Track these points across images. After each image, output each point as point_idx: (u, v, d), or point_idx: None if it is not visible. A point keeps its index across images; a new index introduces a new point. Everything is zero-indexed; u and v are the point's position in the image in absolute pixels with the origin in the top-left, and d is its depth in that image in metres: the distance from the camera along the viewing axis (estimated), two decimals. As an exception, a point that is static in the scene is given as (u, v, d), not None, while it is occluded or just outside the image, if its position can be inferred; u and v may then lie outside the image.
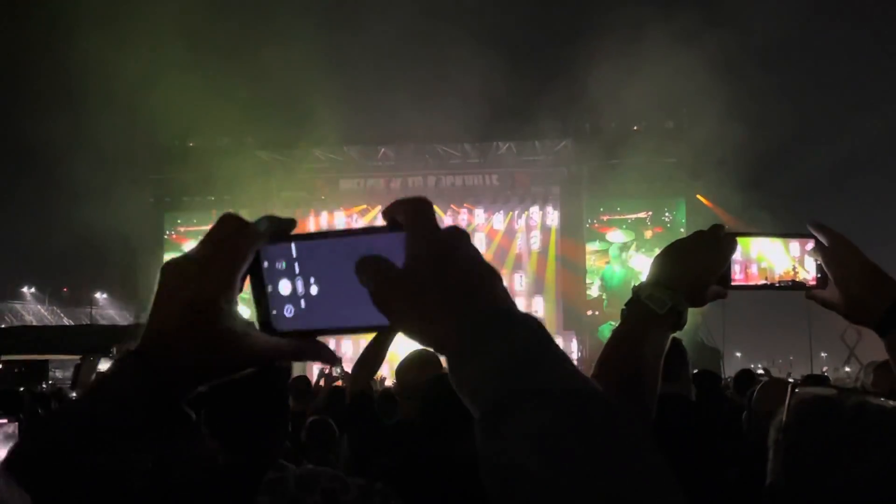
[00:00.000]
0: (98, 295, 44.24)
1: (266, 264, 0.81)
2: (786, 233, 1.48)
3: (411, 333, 0.73)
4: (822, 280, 1.44)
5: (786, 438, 1.15)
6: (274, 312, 0.81)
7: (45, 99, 28.96)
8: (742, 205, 28.67)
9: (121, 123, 28.61)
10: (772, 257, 1.45)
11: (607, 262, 31.41)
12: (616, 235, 31.54)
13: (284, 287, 0.80)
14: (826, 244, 1.42)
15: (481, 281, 0.73)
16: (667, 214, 31.50)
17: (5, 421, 3.35)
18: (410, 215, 0.74)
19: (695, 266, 1.35)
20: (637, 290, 1.35)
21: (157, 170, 32.22)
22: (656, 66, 26.48)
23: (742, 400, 5.74)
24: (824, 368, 30.00)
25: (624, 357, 1.31)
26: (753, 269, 1.44)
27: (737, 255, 1.41)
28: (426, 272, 0.72)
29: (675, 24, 26.84)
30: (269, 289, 0.81)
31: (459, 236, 0.75)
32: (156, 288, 0.79)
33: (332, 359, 0.82)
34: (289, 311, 0.80)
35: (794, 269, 1.45)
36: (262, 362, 0.80)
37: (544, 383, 0.65)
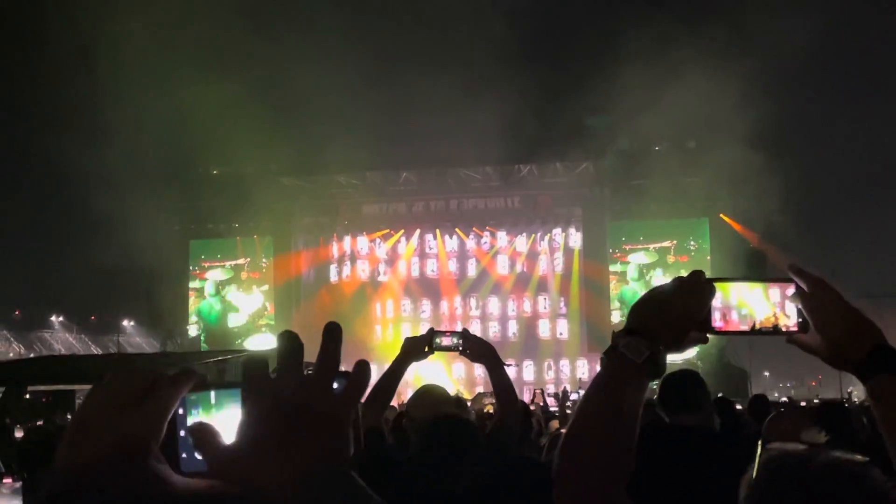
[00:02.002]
0: (125, 322, 44.52)
1: (181, 411, 0.88)
2: (766, 278, 1.49)
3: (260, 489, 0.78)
4: (802, 325, 1.43)
5: (754, 495, 1.16)
6: (183, 455, 0.88)
7: (71, 129, 29.44)
8: (766, 224, 28.43)
9: (147, 153, 29.04)
10: (752, 303, 1.45)
11: (626, 284, 31.04)
12: (638, 257, 31.23)
13: None
14: (806, 289, 1.42)
15: (311, 435, 0.78)
16: (692, 242, 31.08)
17: (9, 480, 3.35)
18: (244, 376, 0.82)
19: (673, 313, 1.36)
20: (615, 339, 1.35)
21: (182, 198, 32.60)
22: (677, 87, 26.40)
23: (758, 426, 5.66)
24: (850, 389, 29.41)
25: (602, 405, 1.32)
26: (734, 316, 1.44)
27: (717, 302, 1.42)
28: (253, 438, 0.79)
29: (695, 44, 26.79)
30: (182, 433, 0.88)
31: (303, 388, 0.81)
32: (79, 415, 0.83)
33: (236, 500, 0.88)
34: (197, 454, 0.87)
35: (774, 314, 1.45)
36: (177, 501, 0.86)
37: None
